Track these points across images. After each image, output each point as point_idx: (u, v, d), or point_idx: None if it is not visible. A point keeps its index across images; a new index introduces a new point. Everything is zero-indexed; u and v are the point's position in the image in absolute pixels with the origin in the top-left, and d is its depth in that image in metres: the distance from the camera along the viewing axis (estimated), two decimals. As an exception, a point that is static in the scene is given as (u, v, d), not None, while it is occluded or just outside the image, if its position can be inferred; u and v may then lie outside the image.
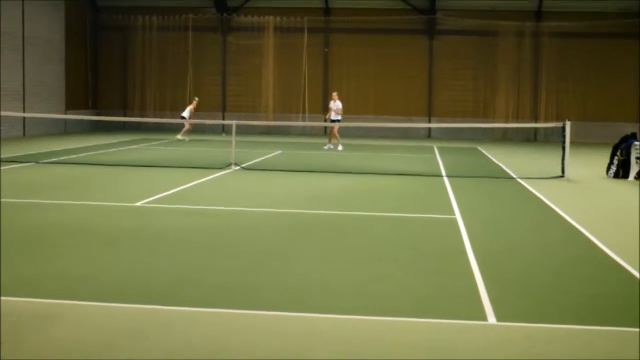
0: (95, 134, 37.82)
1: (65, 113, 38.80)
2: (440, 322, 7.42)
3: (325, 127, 37.53)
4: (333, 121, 30.88)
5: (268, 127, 41.48)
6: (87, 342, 6.56)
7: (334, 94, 31.92)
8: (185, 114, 34.75)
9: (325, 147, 31.52)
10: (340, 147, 30.94)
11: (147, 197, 15.59)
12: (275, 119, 41.32)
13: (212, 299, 8.05)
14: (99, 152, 26.94)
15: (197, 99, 36.10)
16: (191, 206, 14.79)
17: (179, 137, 34.64)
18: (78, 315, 7.42)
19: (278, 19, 42.51)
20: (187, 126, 34.63)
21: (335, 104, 31.13)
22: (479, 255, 10.51)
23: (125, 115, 41.64)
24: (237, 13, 43.13)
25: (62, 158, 24.15)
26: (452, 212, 14.52)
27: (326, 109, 40.80)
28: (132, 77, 43.82)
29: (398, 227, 12.99)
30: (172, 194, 16.46)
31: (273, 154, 27.86)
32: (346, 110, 41.12)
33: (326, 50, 42.95)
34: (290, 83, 42.91)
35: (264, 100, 42.88)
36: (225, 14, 43.01)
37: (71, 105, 39.76)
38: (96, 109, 43.17)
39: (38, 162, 22.49)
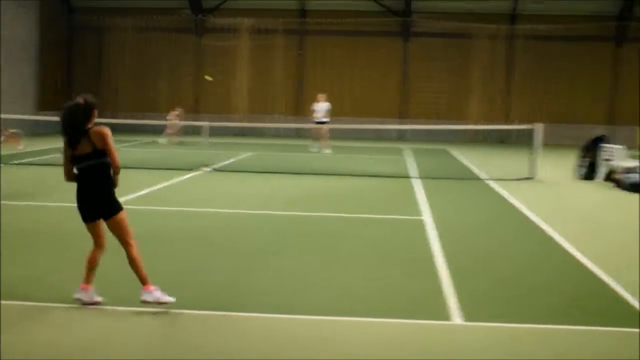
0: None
1: (39, 114, 38.57)
2: (408, 323, 7.50)
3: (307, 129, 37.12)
4: (319, 123, 30.46)
5: (242, 128, 41.42)
6: (60, 345, 6.58)
7: (319, 96, 31.40)
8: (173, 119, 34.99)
9: (315, 150, 31.09)
10: (327, 151, 30.42)
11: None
12: (249, 121, 41.29)
13: (182, 301, 8.09)
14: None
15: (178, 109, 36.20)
16: (161, 207, 14.79)
17: (164, 140, 34.52)
18: (49, 317, 7.43)
19: (253, 20, 42.46)
20: (170, 130, 34.48)
21: (321, 106, 30.67)
22: (447, 256, 10.60)
23: (99, 117, 41.25)
24: (213, 14, 43.05)
25: (34, 159, 24.06)
26: (421, 214, 14.61)
27: (308, 111, 40.85)
28: (107, 78, 43.65)
29: (367, 228, 13.06)
30: (143, 195, 16.46)
31: (244, 156, 27.86)
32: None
33: (300, 52, 42.97)
34: (265, 85, 42.90)
35: (238, 101, 42.85)
36: (200, 16, 42.93)
37: (45, 106, 39.51)
38: (70, 109, 42.88)
39: (8, 163, 22.38)
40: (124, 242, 7.75)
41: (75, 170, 7.69)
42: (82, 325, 7.17)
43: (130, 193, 16.31)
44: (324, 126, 30.32)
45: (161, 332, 7.09)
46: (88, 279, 7.77)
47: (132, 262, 7.70)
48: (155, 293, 7.63)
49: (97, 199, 7.65)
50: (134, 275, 7.72)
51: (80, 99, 7.69)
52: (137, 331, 7.07)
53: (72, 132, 7.61)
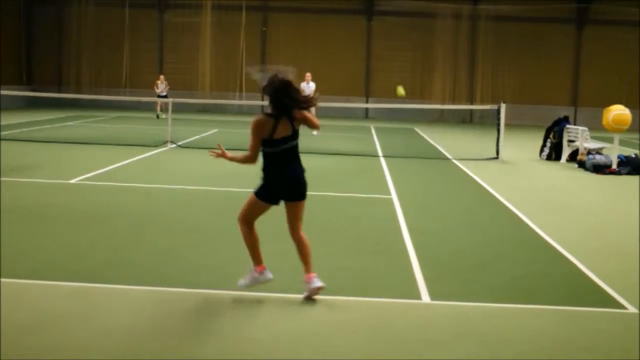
0: (30, 111, 37.14)
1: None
2: (376, 301, 7.48)
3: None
4: None
5: (205, 105, 41.18)
6: (20, 320, 6.47)
7: (307, 75, 29.81)
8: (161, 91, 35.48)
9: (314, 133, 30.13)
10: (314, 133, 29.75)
11: (82, 175, 15.39)
12: (212, 98, 41.09)
13: (143, 277, 8.00)
14: (32, 128, 26.49)
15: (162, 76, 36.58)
16: (125, 184, 14.64)
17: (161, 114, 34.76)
18: (9, 292, 7.31)
19: (217, -4, 42.22)
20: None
21: (309, 86, 29.02)
22: (414, 234, 10.60)
23: (60, 92, 40.92)
24: (175, -10, 42.73)
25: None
26: (388, 192, 14.61)
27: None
28: (68, 52, 43.18)
29: (334, 206, 13.01)
30: (107, 171, 16.28)
31: (209, 133, 27.69)
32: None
33: (264, 29, 42.78)
34: (228, 62, 42.70)
35: (201, 78, 42.61)
36: (162, -9, 42.57)
37: (4, 80, 38.91)
38: (30, 84, 42.43)
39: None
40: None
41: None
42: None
43: (95, 170, 16.14)
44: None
45: (112, 308, 6.99)
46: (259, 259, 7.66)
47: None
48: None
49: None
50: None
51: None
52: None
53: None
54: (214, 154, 7.61)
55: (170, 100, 24.54)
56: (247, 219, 7.54)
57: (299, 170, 7.61)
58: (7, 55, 40.26)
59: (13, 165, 16.66)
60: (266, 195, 7.43)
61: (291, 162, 7.54)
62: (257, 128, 7.30)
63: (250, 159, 7.43)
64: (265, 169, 7.44)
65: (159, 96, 35.07)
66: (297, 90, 7.38)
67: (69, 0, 42.74)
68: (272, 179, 7.42)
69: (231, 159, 7.56)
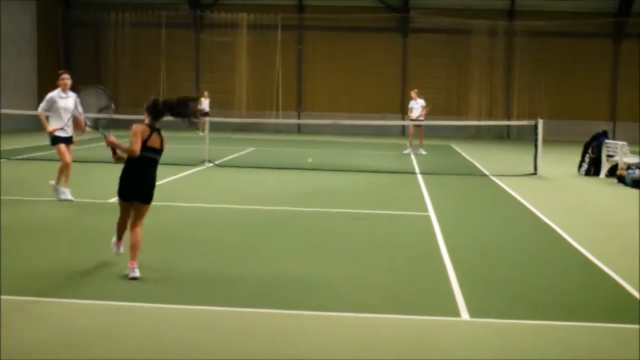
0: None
1: (38, 109, 38.42)
2: (414, 319, 7.45)
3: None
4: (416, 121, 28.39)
5: (242, 124, 41.32)
6: (51, 341, 6.52)
7: (414, 93, 28.90)
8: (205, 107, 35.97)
9: (406, 152, 28.54)
10: (422, 151, 28.38)
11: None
12: (249, 116, 41.23)
13: (179, 295, 8.03)
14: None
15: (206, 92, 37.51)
16: (164, 203, 14.71)
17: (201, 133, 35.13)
18: (42, 312, 7.37)
19: (251, 16, 42.44)
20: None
21: (417, 102, 28.49)
22: (452, 252, 10.54)
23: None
24: (211, 10, 43.02)
25: (35, 154, 23.95)
26: (425, 210, 14.56)
27: (300, 106, 40.97)
28: (105, 73, 43.58)
29: (371, 224, 13.00)
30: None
31: (246, 151, 27.80)
32: (319, 108, 41.24)
33: (300, 47, 42.94)
34: (264, 80, 42.87)
35: (237, 96, 42.81)
36: (198, 11, 42.88)
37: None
38: (69, 105, 42.84)
39: (10, 159, 22.31)
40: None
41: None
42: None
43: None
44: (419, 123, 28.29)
45: (153, 326, 7.02)
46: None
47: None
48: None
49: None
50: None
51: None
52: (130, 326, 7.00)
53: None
54: (107, 142, 9.06)
55: (207, 119, 24.76)
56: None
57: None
58: (47, 77, 40.61)
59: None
60: (120, 193, 9.08)
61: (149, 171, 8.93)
62: (138, 133, 8.78)
63: (132, 152, 8.73)
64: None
65: (202, 113, 35.40)
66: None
67: (106, 22, 43.16)
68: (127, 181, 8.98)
69: (117, 146, 8.97)
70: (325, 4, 42.00)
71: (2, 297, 7.73)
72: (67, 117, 14.14)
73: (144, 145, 8.72)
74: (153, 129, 8.88)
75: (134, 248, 8.70)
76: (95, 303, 7.68)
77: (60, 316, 7.27)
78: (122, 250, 9.22)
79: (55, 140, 14.33)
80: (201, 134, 34.14)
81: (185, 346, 6.45)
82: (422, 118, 28.41)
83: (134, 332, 6.79)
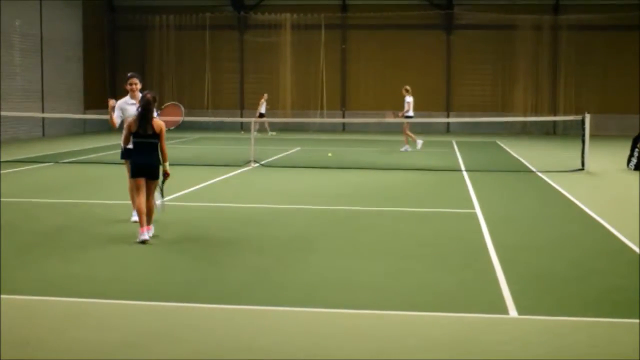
0: (115, 134, 37.74)
1: (84, 113, 38.89)
2: (462, 316, 7.42)
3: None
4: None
5: (286, 123, 41.43)
6: (110, 342, 6.60)
7: (404, 89, 28.85)
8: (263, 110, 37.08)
9: (403, 149, 28.24)
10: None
11: (168, 195, 15.60)
12: (293, 116, 41.32)
13: (232, 296, 8.09)
14: (118, 151, 26.86)
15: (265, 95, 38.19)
16: (212, 203, 14.83)
17: (271, 133, 37.14)
18: (103, 314, 7.47)
19: (295, 16, 42.55)
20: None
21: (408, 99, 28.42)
22: (500, 249, 10.50)
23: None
24: (254, 11, 43.19)
25: (82, 158, 24.25)
26: (472, 207, 14.50)
27: (344, 105, 41.06)
28: (150, 76, 43.87)
29: (418, 222, 12.99)
30: (192, 191, 16.50)
31: (292, 151, 27.88)
32: (364, 106, 41.22)
33: (344, 46, 42.94)
34: (308, 80, 42.94)
35: (282, 97, 42.92)
36: (242, 12, 43.08)
37: (90, 104, 39.81)
38: (115, 108, 43.22)
39: (58, 162, 22.59)
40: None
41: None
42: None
43: (182, 189, 16.31)
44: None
45: (205, 327, 7.08)
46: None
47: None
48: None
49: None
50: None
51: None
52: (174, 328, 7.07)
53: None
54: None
55: (252, 120, 24.91)
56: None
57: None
58: (93, 80, 41.16)
59: (103, 187, 17.04)
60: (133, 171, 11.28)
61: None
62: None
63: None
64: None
65: (260, 114, 36.03)
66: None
67: (151, 25, 43.53)
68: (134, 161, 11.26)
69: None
70: (368, 2, 41.97)
71: (64, 299, 7.88)
72: None
73: (136, 133, 11.31)
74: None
75: (150, 213, 11.04)
76: (153, 304, 7.76)
77: (119, 317, 7.37)
78: (136, 218, 11.33)
79: (126, 155, 12.43)
80: (273, 133, 35.66)
81: (244, 346, 6.50)
82: (410, 114, 28.26)
83: (189, 332, 6.86)
